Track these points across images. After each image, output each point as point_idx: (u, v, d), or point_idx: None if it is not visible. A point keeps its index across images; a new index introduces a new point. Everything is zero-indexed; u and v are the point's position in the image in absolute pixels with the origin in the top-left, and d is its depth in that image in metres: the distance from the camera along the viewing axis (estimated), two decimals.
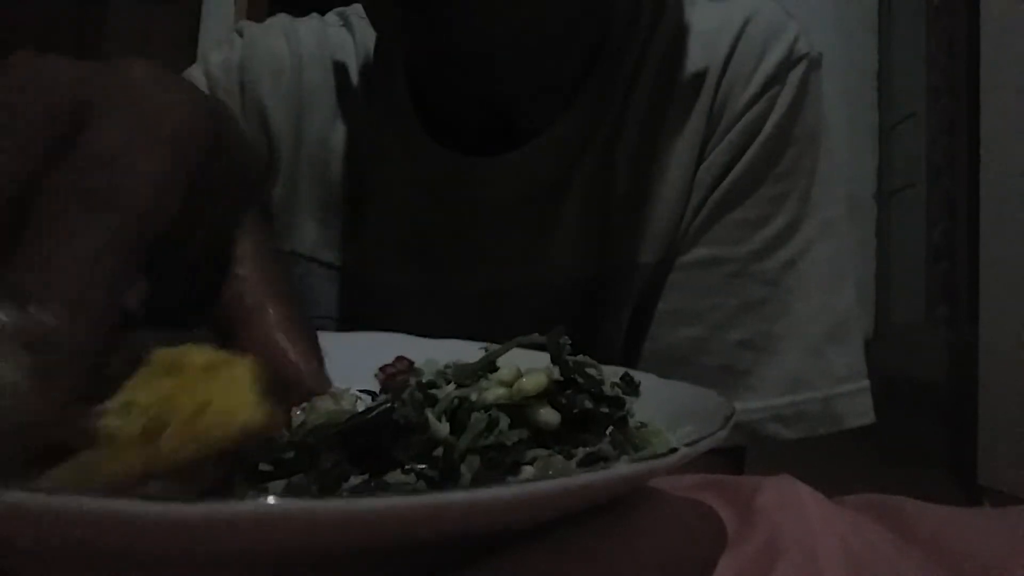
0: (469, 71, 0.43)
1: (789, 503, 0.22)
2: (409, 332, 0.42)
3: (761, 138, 0.47)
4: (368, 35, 0.53)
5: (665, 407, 0.28)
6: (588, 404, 0.22)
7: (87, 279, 0.16)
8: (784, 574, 0.19)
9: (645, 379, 0.31)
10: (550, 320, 0.51)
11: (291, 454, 0.19)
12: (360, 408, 0.22)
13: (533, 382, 0.21)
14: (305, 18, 0.54)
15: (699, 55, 0.49)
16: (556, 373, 0.22)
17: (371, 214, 0.51)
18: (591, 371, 0.24)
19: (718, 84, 0.48)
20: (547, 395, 0.22)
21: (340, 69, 0.52)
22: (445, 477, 0.19)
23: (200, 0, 2.24)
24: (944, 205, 2.17)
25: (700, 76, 0.48)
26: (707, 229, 0.48)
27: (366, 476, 0.19)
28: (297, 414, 0.22)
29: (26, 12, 2.06)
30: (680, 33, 0.49)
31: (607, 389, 0.23)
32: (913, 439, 1.97)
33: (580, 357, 0.24)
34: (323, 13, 0.57)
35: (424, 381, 0.23)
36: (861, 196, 2.54)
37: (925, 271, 2.25)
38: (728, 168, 0.48)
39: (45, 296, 0.16)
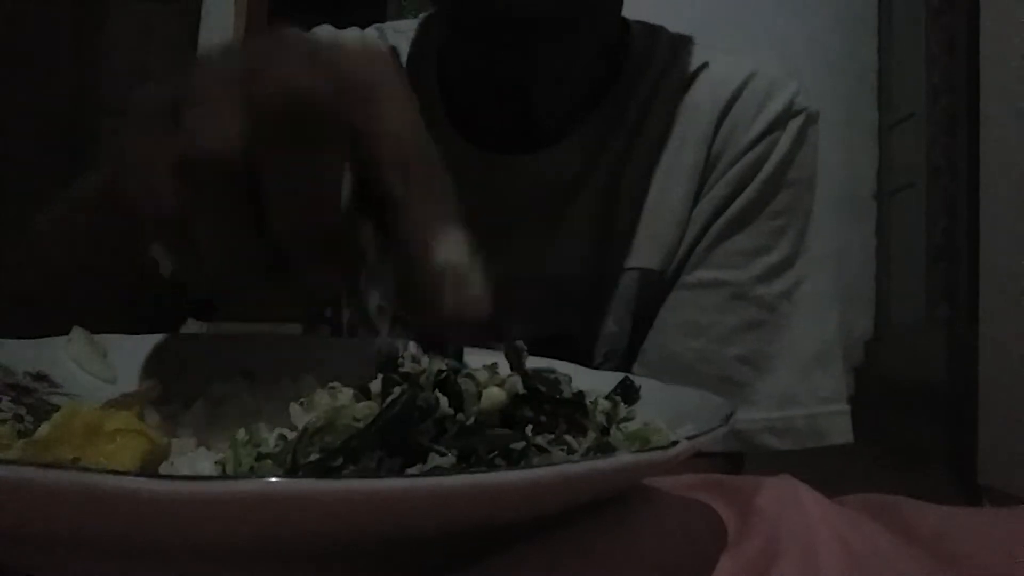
0: (507, 55, 0.49)
1: (789, 503, 0.22)
2: None
3: (761, 176, 0.53)
4: (401, 45, 0.60)
5: (665, 409, 0.28)
6: (542, 419, 0.23)
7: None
8: (784, 574, 0.19)
9: (645, 383, 0.31)
10: (558, 312, 0.54)
11: (339, 461, 0.19)
12: (359, 403, 0.22)
13: (491, 400, 0.22)
14: (346, 30, 0.62)
15: (707, 96, 0.55)
16: (519, 385, 0.23)
17: None
18: (551, 376, 0.24)
19: (719, 122, 0.54)
20: (504, 409, 0.22)
21: None
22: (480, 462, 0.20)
23: (200, 0, 2.24)
24: (944, 205, 2.18)
25: (706, 113, 0.55)
26: (711, 253, 0.53)
27: (421, 465, 0.19)
28: (297, 407, 0.22)
29: (26, 12, 2.06)
30: (693, 74, 0.56)
31: (566, 392, 0.24)
32: (913, 439, 1.98)
33: (541, 366, 0.25)
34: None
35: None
36: (861, 196, 2.54)
37: (925, 271, 2.25)
38: (729, 200, 0.53)
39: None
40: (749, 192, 0.52)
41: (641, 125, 0.55)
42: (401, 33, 0.61)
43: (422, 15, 0.63)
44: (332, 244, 0.24)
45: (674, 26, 0.61)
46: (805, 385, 0.52)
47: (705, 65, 0.56)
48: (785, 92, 0.54)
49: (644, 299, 0.54)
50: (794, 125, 0.54)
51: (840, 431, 0.52)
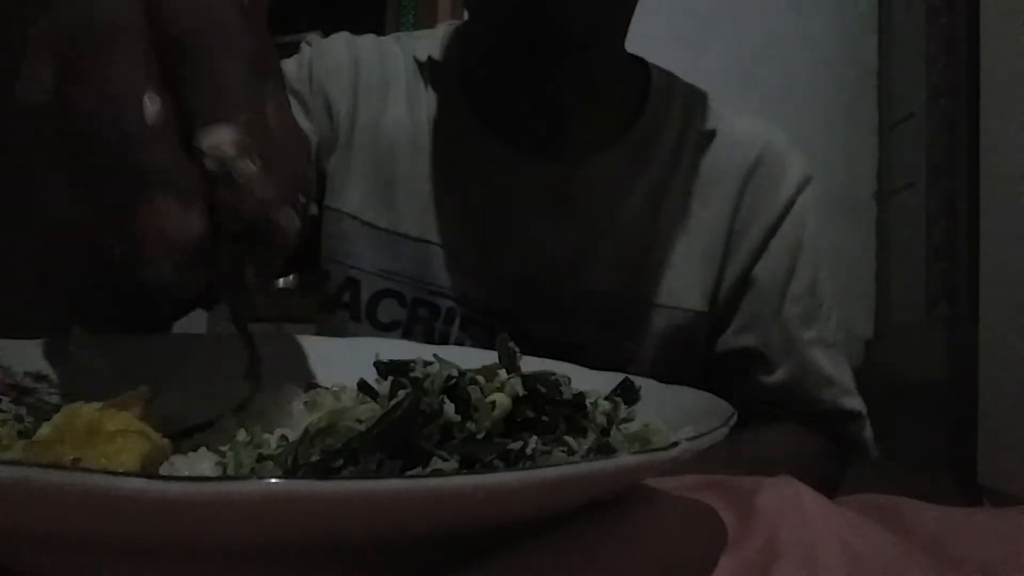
0: (538, 63, 0.54)
1: (789, 503, 0.22)
2: (438, 287, 0.58)
3: (808, 240, 0.61)
4: (417, 49, 0.65)
5: (666, 409, 0.28)
6: (544, 419, 0.24)
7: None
8: (784, 573, 0.19)
9: (646, 384, 0.31)
10: (590, 330, 0.59)
11: (339, 462, 0.19)
12: (361, 404, 0.22)
13: (499, 408, 0.22)
14: (363, 36, 0.67)
15: (727, 158, 0.61)
16: (519, 387, 0.23)
17: (412, 183, 0.61)
18: (551, 378, 0.25)
19: (743, 187, 0.61)
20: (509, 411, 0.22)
21: (391, 71, 0.64)
22: (485, 465, 0.20)
23: None
24: (944, 205, 2.17)
25: (728, 175, 0.61)
26: (805, 316, 0.61)
27: (422, 468, 0.19)
28: (301, 408, 0.22)
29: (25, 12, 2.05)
30: (711, 132, 0.62)
31: (566, 394, 0.25)
32: (913, 439, 1.97)
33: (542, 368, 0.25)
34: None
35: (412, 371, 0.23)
36: (861, 196, 2.54)
37: (925, 271, 2.24)
38: (793, 264, 0.61)
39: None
40: (808, 256, 0.61)
41: (676, 171, 0.61)
42: (421, 40, 0.65)
43: (448, 23, 0.67)
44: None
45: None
46: None
47: (717, 129, 0.62)
48: (798, 159, 0.63)
49: (684, 337, 0.60)
50: (809, 191, 0.62)
51: None
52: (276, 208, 0.22)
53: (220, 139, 0.21)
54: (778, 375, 0.61)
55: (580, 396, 0.25)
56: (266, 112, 0.23)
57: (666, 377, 0.61)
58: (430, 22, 2.28)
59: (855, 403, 0.63)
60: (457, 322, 0.59)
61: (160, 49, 0.22)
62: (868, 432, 0.63)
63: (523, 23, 0.50)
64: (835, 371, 0.62)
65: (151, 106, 0.21)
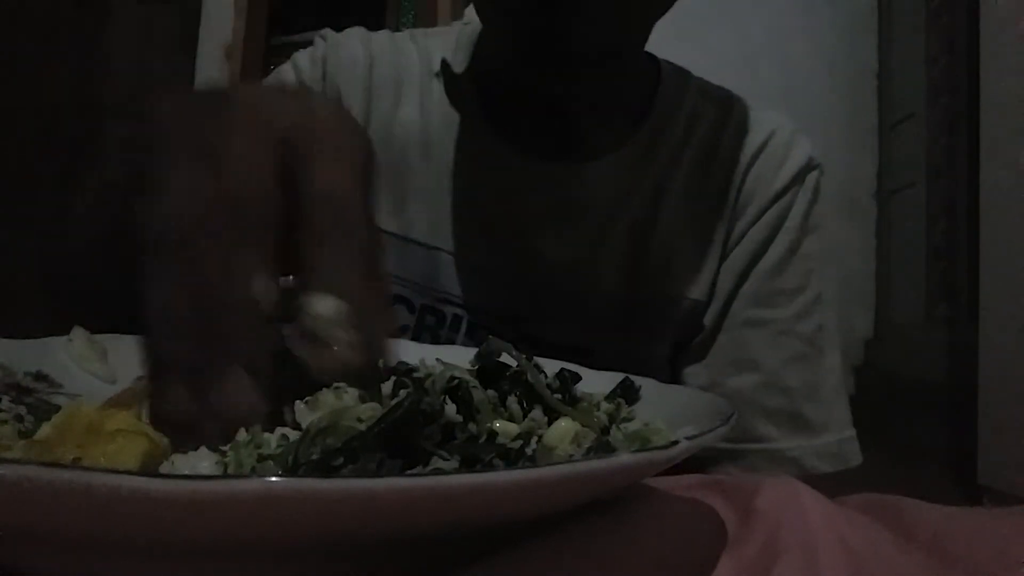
0: (553, 79, 0.52)
1: (789, 503, 0.22)
2: (445, 294, 0.58)
3: (790, 223, 0.59)
4: (431, 48, 0.63)
5: (665, 409, 0.28)
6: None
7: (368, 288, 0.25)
8: (784, 574, 0.19)
9: (646, 383, 0.31)
10: (599, 332, 0.58)
11: (340, 461, 0.19)
12: (363, 404, 0.22)
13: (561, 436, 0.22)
14: (378, 32, 0.66)
15: (733, 147, 0.61)
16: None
17: (423, 188, 0.61)
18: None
19: (745, 173, 0.60)
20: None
21: (405, 70, 0.63)
22: (486, 465, 0.20)
23: (200, 0, 2.24)
24: (944, 205, 2.18)
25: (733, 163, 0.60)
26: (755, 295, 0.58)
27: (422, 468, 0.19)
28: (301, 407, 0.22)
29: (26, 12, 2.06)
30: (723, 124, 0.62)
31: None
32: (913, 439, 1.98)
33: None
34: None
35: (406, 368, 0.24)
36: (861, 196, 2.54)
37: (925, 271, 2.25)
38: (765, 245, 0.59)
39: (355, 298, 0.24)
40: (782, 238, 0.58)
41: (677, 170, 0.60)
42: (435, 39, 0.64)
43: (462, 23, 0.65)
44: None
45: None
46: (836, 412, 0.58)
47: (727, 122, 0.61)
48: (802, 149, 0.61)
49: (685, 333, 0.59)
50: (811, 179, 0.60)
51: (857, 454, 0.58)
52: (354, 367, 0.24)
53: (326, 308, 0.24)
54: (706, 358, 0.58)
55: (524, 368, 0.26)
56: (370, 287, 0.25)
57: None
58: (430, 22, 2.29)
59: (782, 401, 0.55)
60: (463, 328, 0.59)
61: (289, 213, 0.24)
62: (805, 445, 0.55)
63: (542, 44, 0.48)
64: (770, 357, 0.56)
65: (258, 287, 0.23)
